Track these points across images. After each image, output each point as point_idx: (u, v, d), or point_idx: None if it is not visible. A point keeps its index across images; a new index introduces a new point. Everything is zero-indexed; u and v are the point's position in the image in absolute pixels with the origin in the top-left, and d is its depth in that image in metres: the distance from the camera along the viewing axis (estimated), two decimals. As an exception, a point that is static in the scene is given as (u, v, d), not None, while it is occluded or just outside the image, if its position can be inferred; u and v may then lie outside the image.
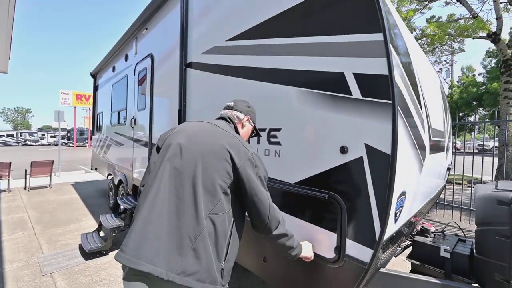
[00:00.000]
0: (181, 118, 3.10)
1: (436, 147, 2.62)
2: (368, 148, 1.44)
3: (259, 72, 2.12)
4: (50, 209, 6.17)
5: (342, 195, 1.56)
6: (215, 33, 2.63)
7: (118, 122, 5.58)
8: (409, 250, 2.37)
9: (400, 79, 1.46)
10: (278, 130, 1.96)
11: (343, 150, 1.54)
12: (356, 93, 1.48)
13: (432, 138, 2.34)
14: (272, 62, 1.99)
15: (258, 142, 2.13)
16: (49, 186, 8.54)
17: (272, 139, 2.01)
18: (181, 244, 1.18)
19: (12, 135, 38.70)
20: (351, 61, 1.51)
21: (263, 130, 2.09)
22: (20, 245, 4.20)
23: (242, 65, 2.28)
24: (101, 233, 4.33)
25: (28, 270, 3.41)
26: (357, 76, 1.48)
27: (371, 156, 1.43)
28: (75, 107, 22.87)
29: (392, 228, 1.52)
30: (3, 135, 36.26)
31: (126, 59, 5.12)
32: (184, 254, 1.17)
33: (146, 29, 4.17)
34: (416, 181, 1.90)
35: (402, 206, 1.61)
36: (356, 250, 1.51)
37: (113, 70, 5.89)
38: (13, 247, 4.10)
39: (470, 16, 9.12)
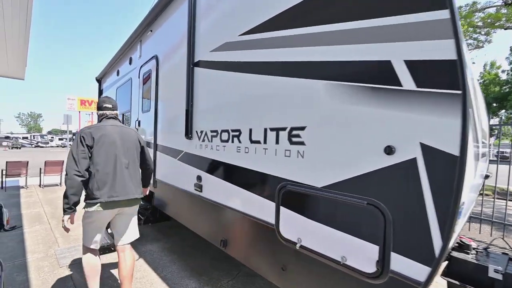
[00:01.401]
0: (189, 118, 2.66)
1: (482, 150, 2.20)
2: (425, 148, 1.06)
3: (278, 66, 1.71)
4: (62, 205, 5.63)
5: (386, 201, 1.19)
6: (226, 29, 2.20)
7: (124, 124, 5.07)
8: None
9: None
10: (302, 129, 1.57)
11: (389, 150, 1.16)
12: (408, 83, 1.10)
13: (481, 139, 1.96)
14: (296, 54, 1.58)
15: (277, 142, 1.73)
16: (60, 184, 7.93)
17: (294, 139, 1.62)
18: (137, 183, 2.29)
19: (27, 138, 37.59)
20: (402, 46, 1.12)
21: (282, 129, 1.69)
22: (39, 237, 3.92)
23: (258, 60, 1.87)
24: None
25: (47, 261, 3.19)
26: (410, 64, 1.10)
27: (429, 158, 1.05)
28: (79, 112, 21.85)
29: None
30: (19, 137, 34.91)
31: (130, 63, 4.60)
32: (136, 187, 2.26)
33: (151, 31, 3.67)
34: (470, 188, 1.54)
35: (459, 218, 1.25)
36: (405, 266, 1.14)
37: (118, 74, 5.34)
38: (33, 239, 3.87)
39: (503, 3, 7.43)
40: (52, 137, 41.42)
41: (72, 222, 2.07)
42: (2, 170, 7.06)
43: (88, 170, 2.03)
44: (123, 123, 5.05)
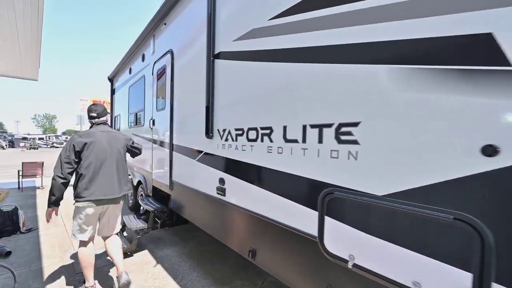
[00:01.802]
0: (209, 116, 2.43)
1: None
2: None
3: (322, 51, 1.44)
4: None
5: (483, 217, 0.91)
6: (252, 14, 1.94)
7: (136, 124, 4.89)
8: None
9: None
10: (354, 125, 1.30)
11: (490, 151, 0.88)
12: (522, 62, 0.82)
13: None
14: (349, 35, 1.31)
15: (320, 141, 1.47)
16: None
17: (344, 137, 1.35)
18: (124, 181, 2.57)
19: (42, 138, 38.52)
20: (509, 13, 0.84)
21: (327, 125, 1.43)
22: (55, 240, 3.79)
23: (295, 47, 1.60)
24: (125, 233, 3.72)
25: (63, 267, 3.06)
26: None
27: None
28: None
29: None
30: (36, 138, 35.82)
31: (143, 59, 4.40)
32: (122, 185, 2.52)
33: (165, 24, 3.45)
34: None
35: None
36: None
37: (130, 72, 5.17)
38: (49, 242, 3.74)
39: None
40: (67, 138, 42.30)
41: (50, 216, 2.50)
42: (18, 171, 7.06)
43: (78, 171, 2.38)
44: (136, 122, 4.90)
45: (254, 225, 2.02)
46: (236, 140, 2.14)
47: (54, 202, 2.39)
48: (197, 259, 3.24)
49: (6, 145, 30.26)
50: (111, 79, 6.62)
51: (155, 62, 3.79)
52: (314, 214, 1.51)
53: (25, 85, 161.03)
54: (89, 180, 2.34)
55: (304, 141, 1.57)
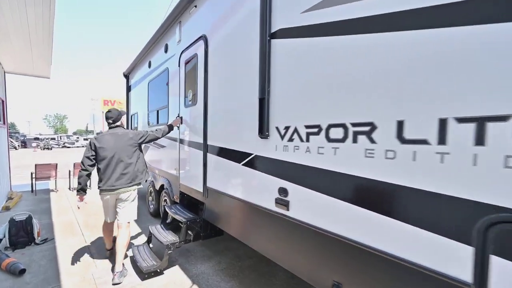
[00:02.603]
0: (264, 109, 1.94)
1: None
2: None
3: (449, 12, 0.94)
4: (93, 211, 5.15)
5: None
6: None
7: (158, 122, 4.42)
8: None
9: None
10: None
11: None
12: None
13: None
14: None
15: (480, 143, 0.96)
16: (90, 186, 7.51)
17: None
18: (131, 174, 2.85)
19: (54, 138, 38.68)
20: None
21: (497, 119, 0.92)
22: (73, 252, 3.37)
23: (406, 9, 1.10)
24: (151, 245, 3.29)
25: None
26: None
27: None
28: (103, 112, 21.91)
29: None
30: (48, 138, 36.00)
31: (166, 50, 3.93)
32: (123, 179, 2.80)
33: (195, 6, 2.96)
34: None
35: None
36: None
37: (149, 66, 4.70)
38: (67, 255, 3.30)
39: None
40: (78, 138, 42.51)
41: (81, 200, 2.87)
42: (31, 173, 6.72)
43: (97, 166, 2.83)
44: (157, 121, 4.44)
45: (339, 252, 1.52)
46: (308, 141, 1.65)
47: (80, 190, 2.85)
48: (238, 278, 2.77)
49: (18, 146, 30.40)
50: (127, 75, 6.18)
51: (182, 52, 3.31)
52: (466, 249, 1.01)
53: (36, 85, 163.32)
54: (101, 174, 2.82)
55: (442, 142, 1.07)
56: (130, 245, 3.47)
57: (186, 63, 3.23)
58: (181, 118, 3.41)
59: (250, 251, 3.29)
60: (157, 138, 3.10)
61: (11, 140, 29.60)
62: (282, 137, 1.84)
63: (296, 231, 1.77)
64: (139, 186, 2.95)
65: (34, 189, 6.75)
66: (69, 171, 7.21)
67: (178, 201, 3.55)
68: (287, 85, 1.81)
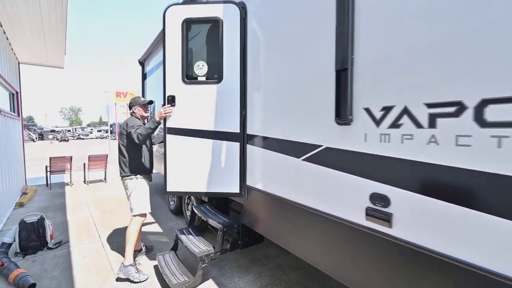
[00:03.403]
0: (346, 84, 1.35)
1: None
2: None
3: None
4: (110, 208, 4.76)
5: None
6: None
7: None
8: None
9: None
10: None
11: None
12: None
13: None
14: None
15: None
16: (105, 179, 7.19)
17: None
18: (123, 163, 2.70)
19: (69, 130, 39.24)
20: None
21: None
22: (89, 260, 2.93)
23: None
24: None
25: None
26: None
27: None
28: (115, 104, 21.72)
29: None
30: (65, 130, 36.51)
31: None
32: (123, 166, 2.71)
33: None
34: None
35: None
36: None
37: (167, 48, 4.13)
38: (83, 263, 2.87)
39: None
40: (91, 130, 42.94)
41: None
42: (46, 167, 6.38)
43: None
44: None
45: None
46: (433, 126, 1.05)
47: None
48: (284, 296, 2.26)
49: (36, 138, 30.83)
50: (142, 62, 5.63)
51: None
52: None
53: (52, 78, 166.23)
54: None
55: None
56: (150, 252, 3.01)
57: (211, 30, 2.60)
58: (170, 105, 2.73)
59: (292, 259, 2.77)
60: (141, 137, 2.50)
61: (29, 132, 30.04)
62: (378, 122, 1.25)
63: (405, 255, 1.20)
64: (129, 179, 2.66)
65: (49, 183, 6.44)
66: (84, 164, 6.85)
67: (206, 199, 3.04)
68: (388, 43, 1.20)
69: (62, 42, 5.44)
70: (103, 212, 4.53)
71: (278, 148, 1.87)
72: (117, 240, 3.41)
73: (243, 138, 2.25)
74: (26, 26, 4.67)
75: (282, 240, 1.99)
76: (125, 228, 3.63)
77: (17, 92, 5.82)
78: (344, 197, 1.43)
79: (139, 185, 2.65)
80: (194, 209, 2.83)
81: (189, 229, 2.73)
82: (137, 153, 2.69)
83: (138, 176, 2.65)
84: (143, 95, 5.75)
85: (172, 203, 4.38)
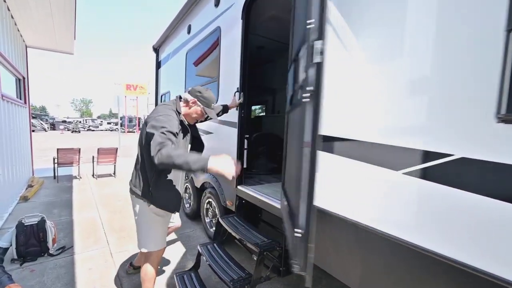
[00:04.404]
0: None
1: None
2: None
3: None
4: (119, 207, 4.30)
5: None
6: None
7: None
8: None
9: None
10: None
11: None
12: None
13: None
14: None
15: None
16: (114, 174, 6.76)
17: None
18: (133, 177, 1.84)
19: (80, 122, 39.36)
20: None
21: None
22: (95, 273, 2.46)
23: None
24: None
25: None
26: None
27: None
28: (125, 96, 21.46)
29: None
30: (77, 121, 36.63)
31: (217, 4, 2.79)
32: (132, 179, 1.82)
33: None
34: None
35: None
36: None
37: (188, 31, 3.60)
38: (88, 278, 2.39)
39: None
40: (101, 122, 42.95)
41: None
42: (54, 158, 5.97)
43: None
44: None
45: None
46: None
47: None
48: None
49: (48, 128, 30.87)
50: (156, 49, 5.13)
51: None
52: None
53: (64, 69, 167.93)
54: None
55: None
56: (170, 272, 2.52)
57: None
58: (242, 94, 2.33)
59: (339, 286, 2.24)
60: (163, 161, 1.41)
61: (41, 122, 30.09)
62: None
63: None
64: (141, 201, 1.75)
65: (56, 175, 6.03)
66: (93, 157, 6.42)
67: (233, 208, 2.52)
68: None
69: (71, 24, 4.98)
70: (111, 212, 4.07)
71: (374, 157, 1.30)
72: (126, 246, 2.93)
73: (316, 140, 1.72)
74: (32, 5, 4.21)
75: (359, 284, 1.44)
76: (134, 231, 3.19)
77: (24, 78, 5.39)
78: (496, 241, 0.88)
79: (152, 216, 1.75)
80: (220, 221, 2.31)
81: (214, 245, 2.22)
82: (160, 176, 1.66)
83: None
84: (157, 85, 5.25)
85: (187, 205, 3.89)
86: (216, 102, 2.33)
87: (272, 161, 3.54)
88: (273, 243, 1.90)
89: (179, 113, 1.70)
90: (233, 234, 2.10)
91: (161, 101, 5.12)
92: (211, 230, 3.07)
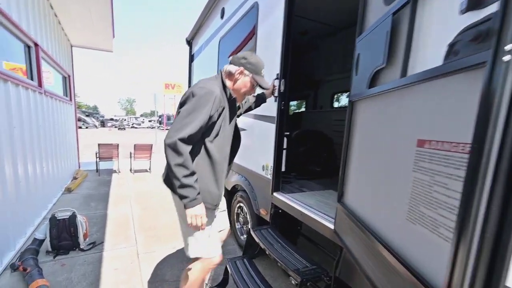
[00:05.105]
0: None
1: None
2: None
3: None
4: (151, 204, 4.31)
5: None
6: None
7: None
8: None
9: None
10: None
11: None
12: None
13: None
14: None
15: None
16: (149, 169, 7.00)
17: None
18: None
19: (125, 119, 43.14)
20: None
21: None
22: (120, 275, 2.36)
23: None
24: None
25: None
26: None
27: None
28: (164, 95, 22.61)
29: None
30: (121, 119, 40.24)
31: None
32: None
33: None
34: None
35: None
36: None
37: (222, 16, 3.38)
38: (112, 280, 2.29)
39: None
40: (143, 120, 46.46)
41: None
42: (96, 153, 6.38)
43: None
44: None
45: None
46: None
47: None
48: None
49: (98, 125, 34.33)
50: (190, 41, 5.06)
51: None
52: None
53: (111, 71, 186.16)
54: None
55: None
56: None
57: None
58: (283, 81, 2.00)
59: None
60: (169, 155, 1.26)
61: (93, 120, 33.58)
62: None
63: None
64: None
65: (98, 169, 6.44)
66: (130, 153, 6.71)
67: (267, 218, 2.22)
68: None
69: (109, 22, 5.19)
70: (143, 209, 4.09)
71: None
72: (153, 248, 2.84)
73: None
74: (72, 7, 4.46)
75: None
76: (165, 234, 3.16)
77: (69, 76, 5.79)
78: None
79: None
80: (252, 234, 2.02)
81: (245, 261, 1.94)
82: (202, 158, 1.39)
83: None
84: (190, 80, 5.18)
85: (218, 206, 3.70)
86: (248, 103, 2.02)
87: (315, 164, 3.09)
88: (319, 270, 1.53)
89: (225, 86, 1.42)
90: (267, 252, 1.78)
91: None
92: (242, 238, 2.81)
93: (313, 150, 3.06)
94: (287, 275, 2.18)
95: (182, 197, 1.26)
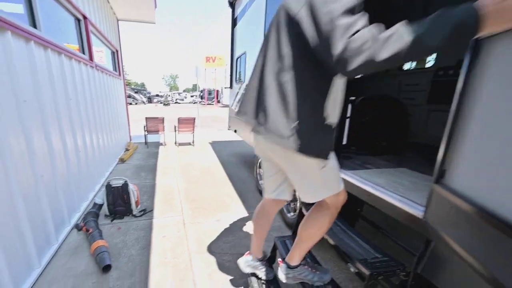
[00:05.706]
0: None
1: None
2: None
3: None
4: (195, 177, 4.48)
5: None
6: None
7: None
8: None
9: None
10: None
11: None
12: None
13: None
14: None
15: None
16: (192, 143, 7.29)
17: None
18: None
19: (169, 95, 45.62)
20: None
21: None
22: (168, 243, 2.49)
23: None
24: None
25: None
26: None
27: None
28: (205, 69, 22.87)
29: None
30: (166, 95, 42.68)
31: None
32: None
33: None
34: None
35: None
36: None
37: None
38: (161, 247, 2.43)
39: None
40: (186, 95, 48.58)
41: None
42: (144, 126, 6.82)
43: None
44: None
45: None
46: None
47: None
48: None
49: (146, 101, 37.02)
50: (233, 2, 4.76)
51: None
52: None
53: (155, 50, 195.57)
54: None
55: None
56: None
57: None
58: None
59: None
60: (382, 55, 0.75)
61: (141, 96, 36.30)
62: None
63: None
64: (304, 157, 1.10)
65: (146, 141, 6.93)
66: (174, 127, 7.01)
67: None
68: None
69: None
70: (187, 182, 4.25)
71: None
72: (198, 220, 2.93)
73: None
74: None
75: None
76: (209, 206, 3.27)
77: (117, 51, 6.07)
78: None
79: (330, 163, 1.16)
80: (304, 213, 1.87)
81: (292, 239, 1.82)
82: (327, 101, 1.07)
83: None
84: (232, 47, 4.95)
85: (261, 181, 3.64)
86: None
87: (382, 137, 2.62)
88: (392, 263, 1.31)
89: None
90: (325, 237, 1.62)
91: (236, 66, 4.85)
92: (289, 215, 2.70)
93: (380, 120, 2.57)
94: (341, 258, 2.03)
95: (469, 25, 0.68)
